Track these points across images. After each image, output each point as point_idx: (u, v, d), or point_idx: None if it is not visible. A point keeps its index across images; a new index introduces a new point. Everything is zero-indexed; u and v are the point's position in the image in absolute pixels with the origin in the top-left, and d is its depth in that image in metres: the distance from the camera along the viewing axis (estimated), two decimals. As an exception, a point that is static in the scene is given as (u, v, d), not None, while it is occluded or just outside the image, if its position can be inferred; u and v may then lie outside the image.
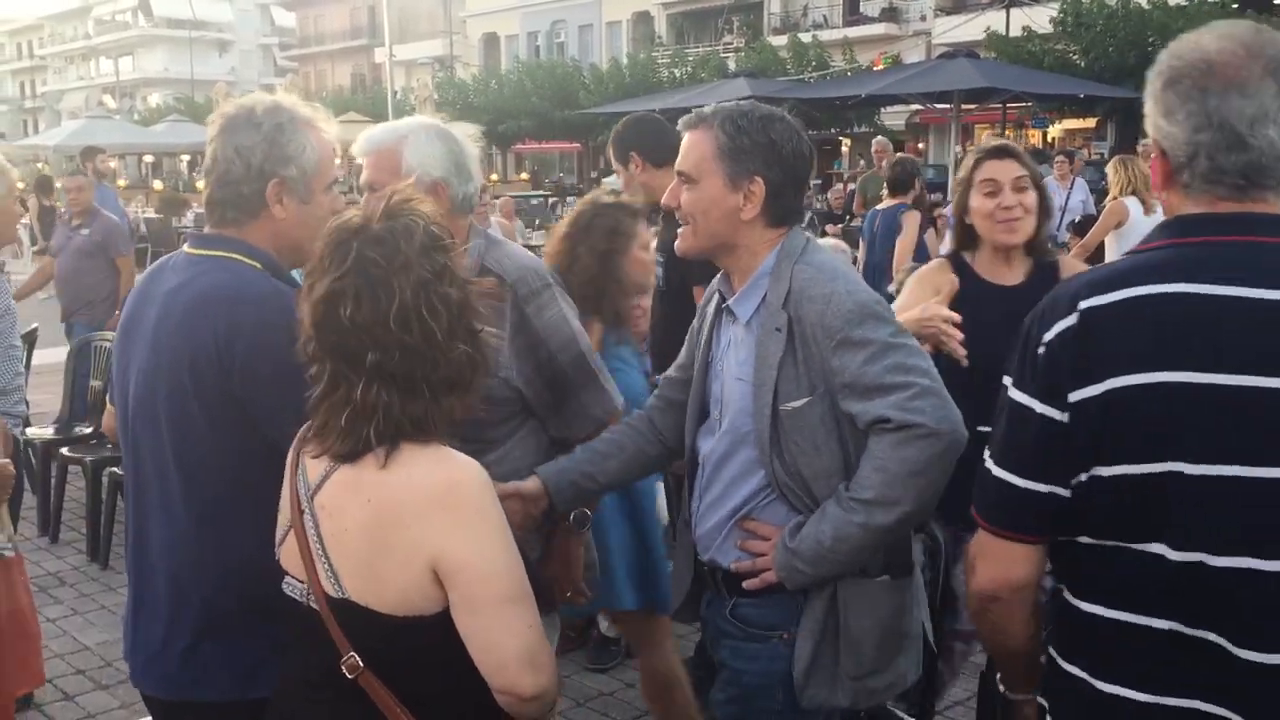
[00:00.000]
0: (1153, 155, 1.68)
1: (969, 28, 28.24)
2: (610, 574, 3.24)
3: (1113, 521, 1.60)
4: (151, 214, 22.11)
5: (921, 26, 35.48)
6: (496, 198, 12.21)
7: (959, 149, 19.46)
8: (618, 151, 4.10)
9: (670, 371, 2.57)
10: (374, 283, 1.71)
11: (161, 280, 2.19)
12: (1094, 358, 1.57)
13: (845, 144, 35.50)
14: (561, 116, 32.67)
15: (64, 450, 6.08)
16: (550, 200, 25.95)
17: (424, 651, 1.74)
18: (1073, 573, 1.70)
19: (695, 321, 2.47)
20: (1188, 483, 1.52)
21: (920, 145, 31.65)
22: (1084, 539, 1.64)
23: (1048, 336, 1.62)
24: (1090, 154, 24.29)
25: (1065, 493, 1.62)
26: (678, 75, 31.02)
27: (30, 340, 6.27)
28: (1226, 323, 1.52)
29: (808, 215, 15.05)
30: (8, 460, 2.85)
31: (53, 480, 6.12)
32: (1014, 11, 24.47)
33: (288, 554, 1.84)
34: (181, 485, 2.10)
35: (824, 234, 9.98)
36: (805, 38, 31.11)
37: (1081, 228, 8.98)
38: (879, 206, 8.15)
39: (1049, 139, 30.71)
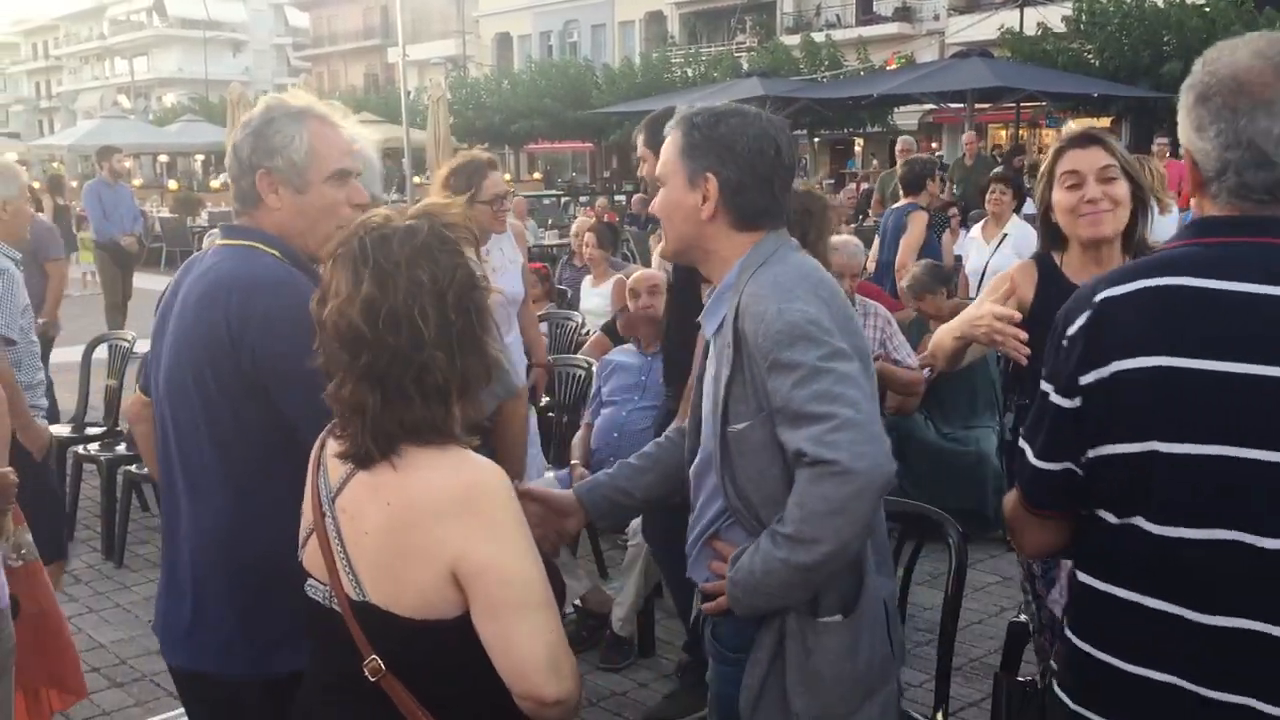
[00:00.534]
0: (1185, 162, 1.75)
1: (982, 27, 28.15)
2: None
3: (1111, 497, 1.71)
4: (166, 213, 22.20)
5: (935, 26, 35.38)
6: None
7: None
8: (651, 138, 4.07)
9: None
10: (370, 283, 1.70)
11: (190, 270, 2.32)
12: (1103, 344, 1.67)
13: (858, 143, 35.44)
14: (574, 116, 32.64)
15: (78, 449, 6.12)
16: (563, 200, 25.94)
17: (445, 655, 1.74)
18: (1078, 548, 1.83)
19: None
20: (1167, 461, 1.61)
21: (934, 144, 31.55)
22: (1094, 513, 1.76)
23: (1070, 331, 1.72)
24: (1104, 153, 24.13)
25: (1079, 470, 1.74)
26: (690, 75, 30.97)
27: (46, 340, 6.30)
28: (1223, 313, 1.60)
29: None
30: (9, 469, 2.86)
31: (67, 479, 6.15)
32: (1028, 10, 24.38)
33: (310, 556, 1.85)
34: (206, 468, 2.18)
35: (838, 232, 9.98)
36: (818, 37, 31.02)
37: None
38: (894, 205, 8.15)
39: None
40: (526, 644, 1.69)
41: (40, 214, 7.92)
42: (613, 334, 5.83)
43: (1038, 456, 1.81)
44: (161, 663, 4.37)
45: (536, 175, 37.29)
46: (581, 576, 4.53)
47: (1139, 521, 1.67)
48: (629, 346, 4.78)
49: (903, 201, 7.77)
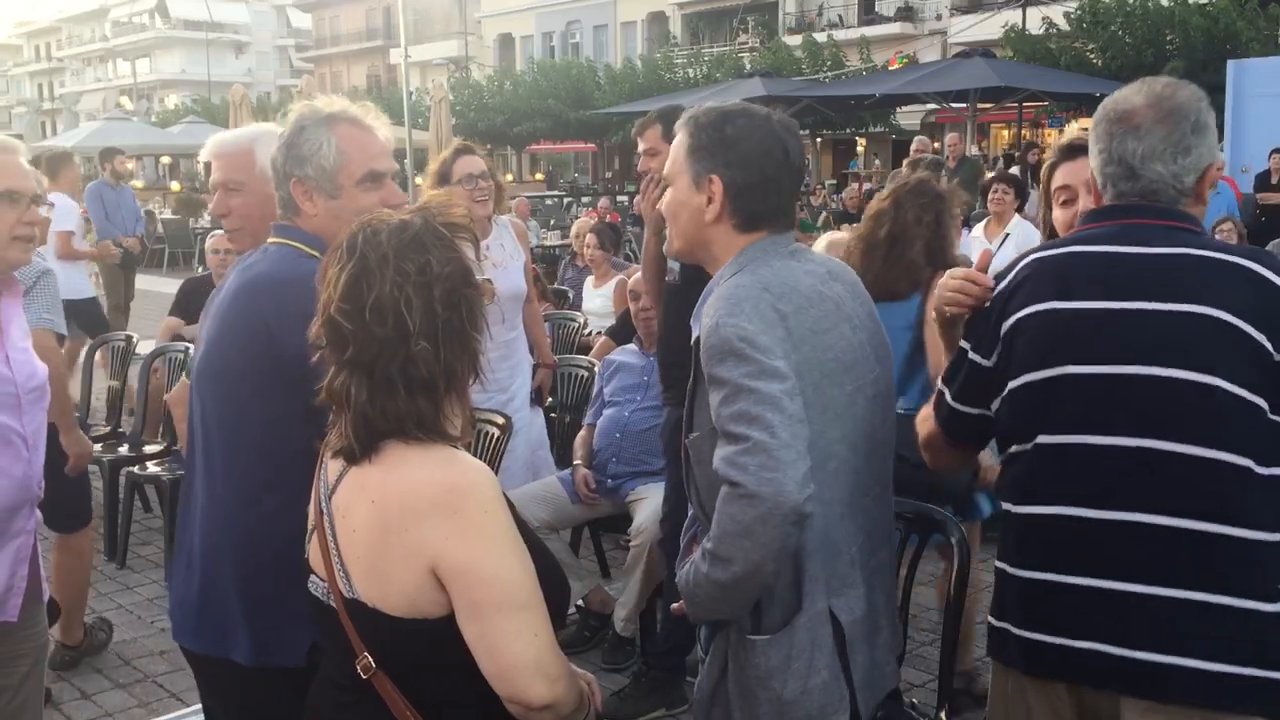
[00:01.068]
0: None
1: (985, 27, 28.14)
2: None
3: (1021, 425, 2.07)
4: (169, 214, 22.22)
5: (937, 26, 35.37)
6: (513, 198, 12.23)
7: (975, 148, 19.40)
8: (666, 131, 4.04)
9: None
10: (360, 275, 1.72)
11: (241, 265, 2.38)
12: (1015, 299, 2.10)
13: (861, 143, 35.42)
14: (576, 117, 32.67)
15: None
16: (565, 200, 25.95)
17: (432, 655, 1.73)
18: (1000, 483, 2.18)
19: None
20: (1074, 381, 2.00)
21: (936, 145, 31.53)
22: (1009, 451, 2.12)
23: (994, 295, 2.17)
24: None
25: (989, 414, 2.15)
26: (693, 75, 31.00)
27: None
28: (1100, 269, 2.04)
29: (822, 215, 14.95)
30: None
31: (71, 480, 6.15)
32: (1031, 10, 24.37)
33: (313, 553, 1.86)
34: (228, 456, 2.24)
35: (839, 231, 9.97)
36: (820, 37, 31.03)
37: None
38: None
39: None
40: (509, 645, 1.67)
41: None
42: (617, 338, 5.83)
43: (954, 399, 2.21)
44: (165, 664, 4.42)
45: (539, 176, 37.31)
46: (584, 577, 4.53)
47: (1041, 439, 2.04)
48: (631, 346, 4.78)
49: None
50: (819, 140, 30.28)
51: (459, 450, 1.77)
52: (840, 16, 38.28)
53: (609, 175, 37.77)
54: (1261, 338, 1.92)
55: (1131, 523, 1.95)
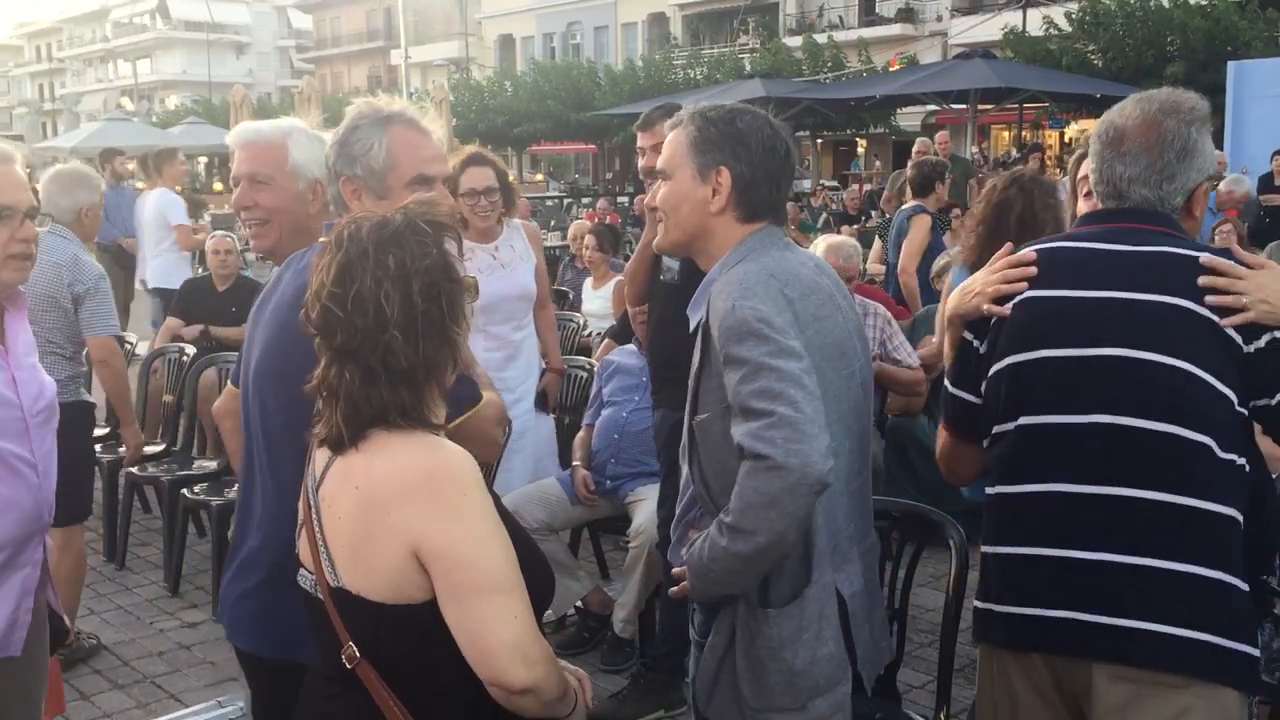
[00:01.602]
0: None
1: (985, 28, 28.15)
2: None
3: (1006, 406, 2.16)
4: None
5: (938, 27, 35.40)
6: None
7: (975, 150, 19.39)
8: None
9: None
10: (344, 267, 1.76)
11: (288, 269, 2.38)
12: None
13: (861, 145, 35.43)
14: (577, 118, 32.68)
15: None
16: (565, 201, 25.93)
17: (415, 640, 1.75)
18: (990, 465, 2.26)
19: None
20: (1051, 363, 2.11)
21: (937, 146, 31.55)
22: (996, 434, 2.21)
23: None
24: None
25: (977, 400, 2.25)
26: (693, 76, 31.02)
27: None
28: (1083, 262, 2.16)
29: (823, 215, 14.95)
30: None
31: (70, 480, 6.15)
32: (1031, 11, 24.38)
33: (302, 547, 1.89)
34: (291, 457, 2.16)
35: (838, 233, 9.96)
36: (821, 38, 31.03)
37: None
38: (900, 207, 8.12)
39: (1066, 139, 30.59)
40: (489, 628, 1.70)
41: None
42: (618, 339, 5.83)
43: (950, 383, 2.31)
44: (163, 664, 4.42)
45: (539, 177, 37.30)
46: (583, 578, 4.52)
47: (1023, 420, 2.13)
48: (630, 347, 4.78)
49: (909, 203, 7.74)
50: (819, 141, 30.30)
51: (441, 437, 1.82)
52: (841, 18, 38.31)
53: (609, 176, 37.77)
54: (1231, 330, 2.03)
55: (1106, 496, 2.05)
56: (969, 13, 32.95)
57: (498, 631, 1.70)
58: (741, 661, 2.16)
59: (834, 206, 18.22)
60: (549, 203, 24.54)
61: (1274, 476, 2.35)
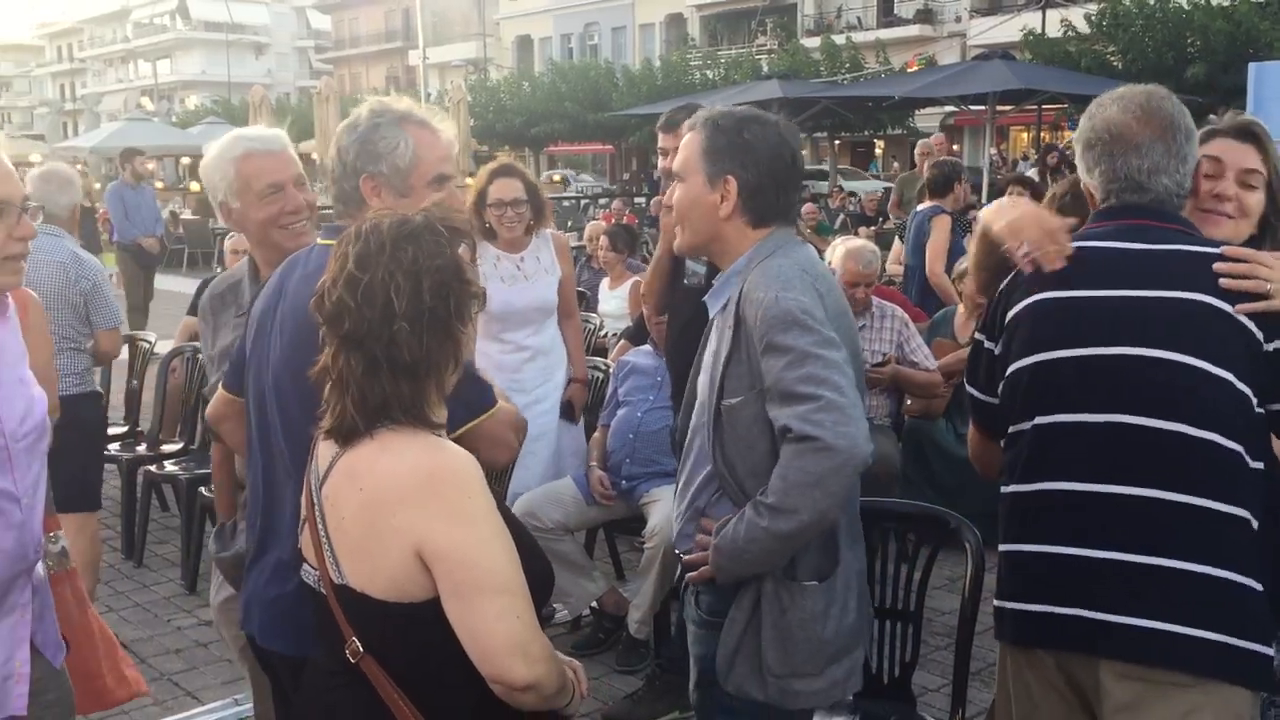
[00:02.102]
0: (1085, 192, 2.33)
1: (1004, 29, 28.06)
2: None
3: (1023, 404, 2.19)
4: (189, 215, 22.32)
5: (956, 28, 35.31)
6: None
7: (994, 151, 19.32)
8: None
9: None
10: (360, 258, 1.80)
11: (294, 270, 2.36)
12: (1018, 290, 2.24)
13: (879, 146, 35.36)
14: (594, 118, 32.71)
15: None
16: (582, 202, 25.95)
17: (418, 637, 1.78)
18: (1006, 464, 2.28)
19: None
20: (1068, 363, 2.13)
21: (955, 147, 31.44)
22: (1011, 433, 2.23)
23: (1001, 287, 2.31)
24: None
25: (995, 400, 2.28)
26: (710, 77, 30.99)
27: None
28: (1099, 261, 2.16)
29: (840, 217, 14.85)
30: None
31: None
32: (1051, 12, 24.27)
33: (305, 542, 1.92)
34: (300, 461, 2.16)
35: (856, 235, 9.92)
36: (839, 39, 30.98)
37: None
38: (917, 208, 8.01)
39: (1085, 141, 30.41)
40: (492, 627, 1.74)
41: (91, 205, 8.27)
42: (634, 340, 5.83)
43: (974, 388, 2.37)
44: (180, 662, 4.44)
45: (557, 178, 37.37)
46: (598, 579, 4.53)
47: (1039, 420, 2.15)
48: (645, 348, 4.77)
49: (927, 204, 7.66)
50: (836, 142, 30.23)
51: (443, 437, 1.86)
52: (859, 19, 38.24)
53: (626, 176, 37.77)
54: (1252, 325, 2.04)
55: (1118, 495, 2.06)
56: (988, 14, 32.84)
57: (500, 630, 1.74)
58: (769, 633, 2.25)
59: (852, 207, 18.17)
60: (565, 203, 24.55)
61: None
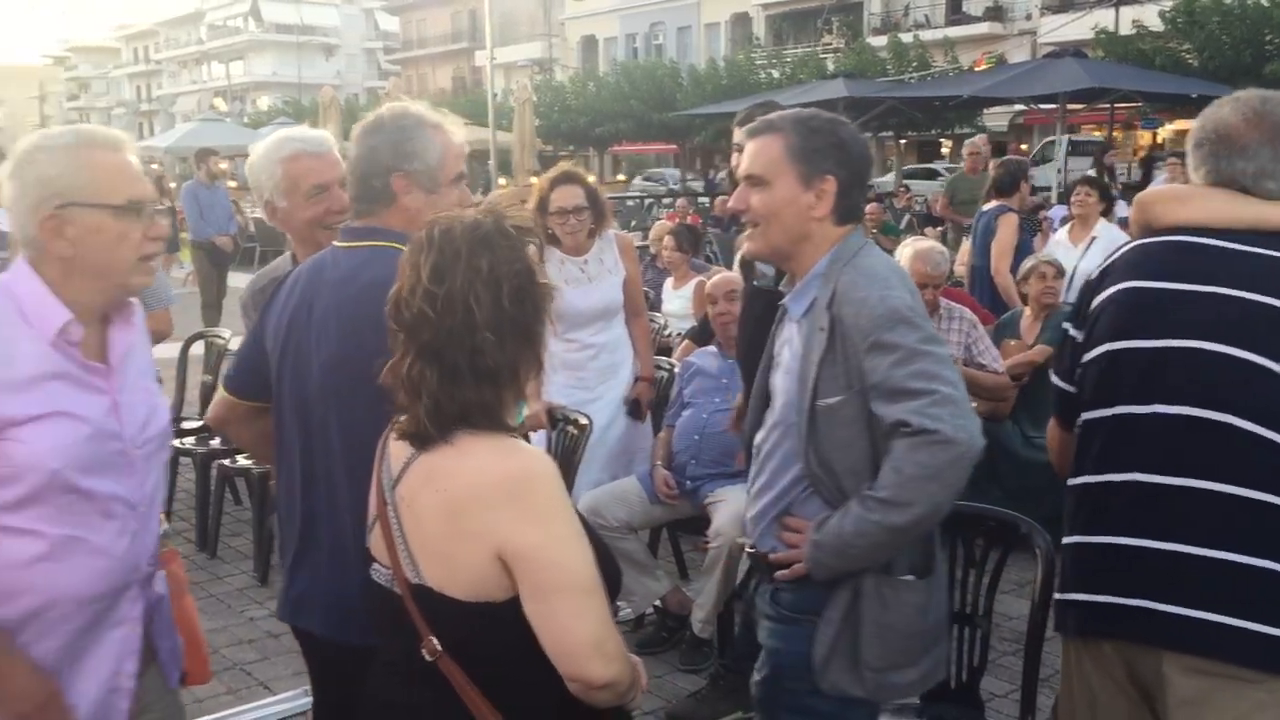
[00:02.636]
0: None
1: (1076, 26, 27.60)
2: None
3: (1090, 395, 2.21)
4: (260, 214, 22.68)
5: (1027, 25, 34.79)
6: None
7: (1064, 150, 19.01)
8: None
9: None
10: (432, 268, 1.81)
11: (322, 274, 2.40)
12: (1108, 279, 2.25)
13: (946, 145, 34.96)
14: (659, 118, 32.73)
15: (175, 443, 6.27)
16: (646, 201, 25.98)
17: (496, 636, 1.80)
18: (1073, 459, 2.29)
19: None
20: (1145, 354, 2.14)
21: (1023, 146, 30.99)
22: (1083, 422, 2.24)
23: (1091, 278, 2.33)
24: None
25: (1072, 389, 2.29)
26: (776, 76, 30.87)
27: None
28: (1189, 255, 2.16)
29: (906, 217, 14.63)
30: None
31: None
32: (1124, 9, 23.83)
33: (375, 542, 1.93)
34: (357, 461, 2.17)
35: (923, 235, 9.83)
36: (906, 38, 30.68)
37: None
38: (984, 207, 7.89)
39: (1159, 140, 29.87)
40: (571, 626, 1.75)
41: (170, 204, 8.38)
42: (698, 340, 5.84)
43: (1054, 375, 2.39)
44: (253, 652, 4.53)
45: (620, 177, 37.44)
46: (662, 578, 4.54)
47: (1109, 410, 2.16)
48: (710, 349, 4.78)
49: (993, 204, 7.56)
50: (902, 142, 29.95)
51: (519, 440, 1.87)
52: (926, 16, 37.83)
53: (690, 176, 37.76)
54: None
55: (1186, 487, 2.06)
56: (1059, 11, 32.30)
57: (580, 629, 1.75)
58: (869, 629, 2.26)
59: (918, 208, 17.98)
60: (629, 203, 24.59)
61: None
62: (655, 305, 8.00)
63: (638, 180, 36.92)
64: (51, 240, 1.99)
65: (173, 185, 19.35)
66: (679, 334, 6.87)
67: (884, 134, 27.41)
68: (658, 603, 4.56)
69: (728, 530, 4.12)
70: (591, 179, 4.81)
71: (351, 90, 59.40)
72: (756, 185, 2.35)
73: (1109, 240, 6.88)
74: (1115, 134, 24.82)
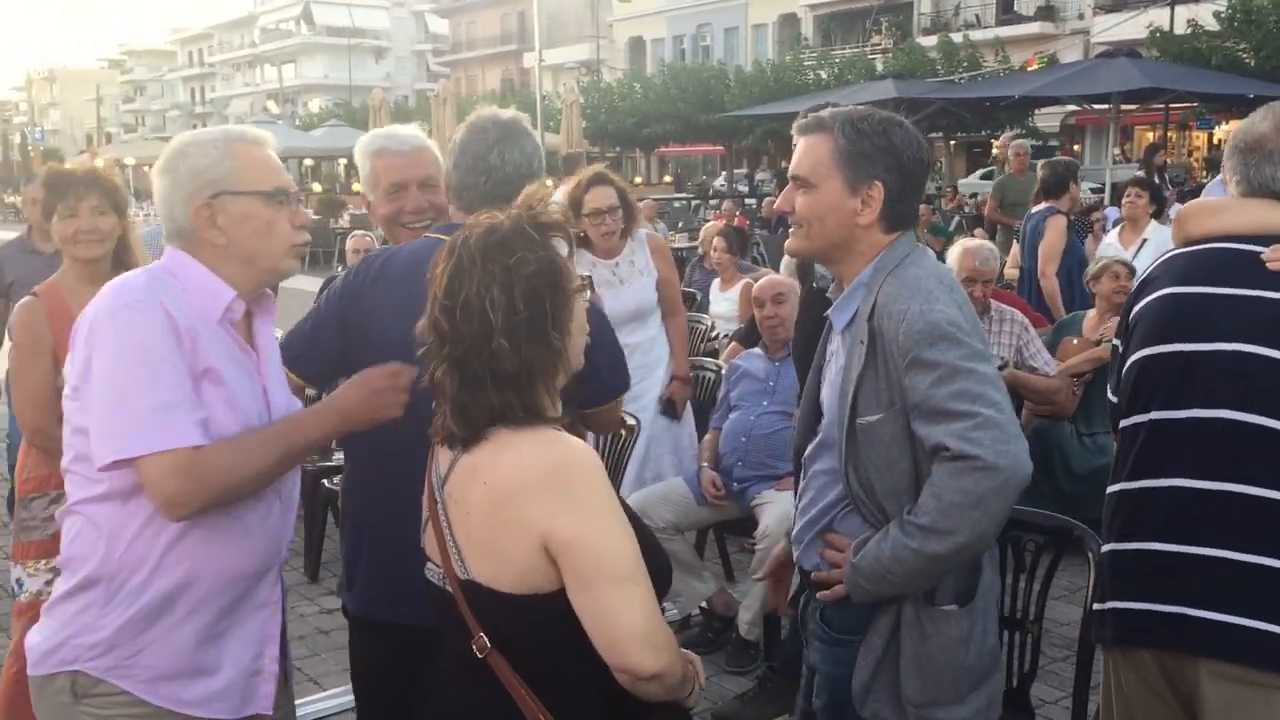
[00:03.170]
0: None
1: (1129, 26, 27.22)
2: None
3: (1128, 400, 2.22)
4: (311, 215, 22.86)
5: (1079, 25, 34.37)
6: (640, 199, 12.26)
7: (1117, 151, 18.75)
8: None
9: None
10: (454, 275, 1.81)
11: (391, 264, 2.55)
12: (1148, 288, 2.27)
13: (996, 146, 34.62)
14: (705, 119, 32.70)
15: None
16: (693, 203, 25.97)
17: (544, 629, 1.80)
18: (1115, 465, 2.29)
19: None
20: (1182, 358, 2.15)
21: (1075, 147, 30.64)
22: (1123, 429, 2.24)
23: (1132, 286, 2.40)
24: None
25: (1114, 399, 2.32)
26: (824, 77, 30.73)
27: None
28: (1226, 259, 2.16)
29: (955, 219, 14.36)
30: None
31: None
32: (1178, 8, 23.47)
33: (428, 541, 1.94)
34: None
35: (972, 236, 9.73)
36: (956, 38, 30.42)
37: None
38: (1032, 210, 7.79)
39: (1215, 141, 29.40)
40: (618, 616, 1.74)
41: None
42: (745, 342, 5.83)
43: (1109, 388, 2.37)
44: (304, 648, 4.58)
45: (667, 178, 37.45)
46: (708, 579, 4.54)
47: (1146, 415, 2.17)
48: (757, 351, 4.78)
49: (1042, 206, 7.48)
50: (952, 143, 29.69)
51: (560, 430, 1.86)
52: (977, 16, 37.49)
53: (739, 173, 37.68)
54: None
55: (1223, 492, 2.04)
56: (1112, 10, 31.87)
57: (627, 619, 1.74)
58: (908, 660, 2.15)
59: (968, 209, 17.82)
60: (676, 204, 24.59)
61: None
62: (703, 307, 8.00)
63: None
64: (205, 229, 2.08)
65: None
66: (725, 336, 6.86)
67: (933, 134, 27.20)
68: (704, 604, 4.56)
69: (775, 532, 4.10)
70: (621, 181, 4.88)
71: (401, 93, 59.95)
72: (802, 187, 2.24)
73: (1159, 243, 6.77)
74: (1170, 134, 24.44)
